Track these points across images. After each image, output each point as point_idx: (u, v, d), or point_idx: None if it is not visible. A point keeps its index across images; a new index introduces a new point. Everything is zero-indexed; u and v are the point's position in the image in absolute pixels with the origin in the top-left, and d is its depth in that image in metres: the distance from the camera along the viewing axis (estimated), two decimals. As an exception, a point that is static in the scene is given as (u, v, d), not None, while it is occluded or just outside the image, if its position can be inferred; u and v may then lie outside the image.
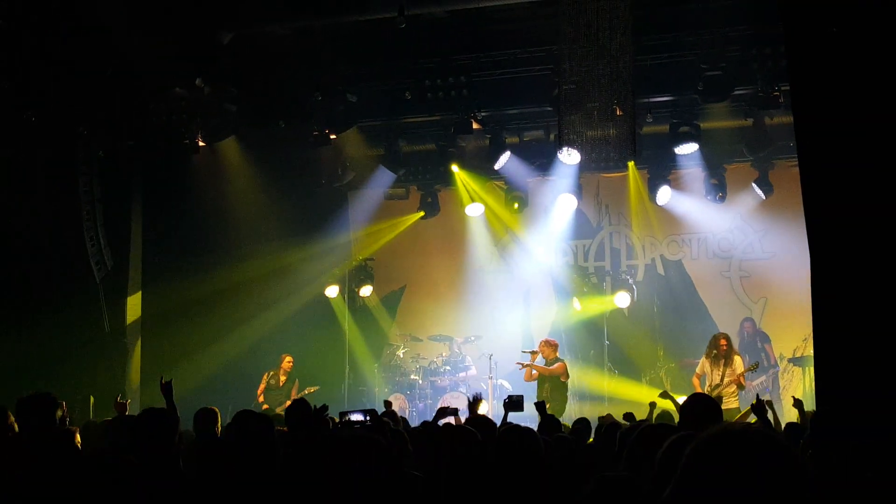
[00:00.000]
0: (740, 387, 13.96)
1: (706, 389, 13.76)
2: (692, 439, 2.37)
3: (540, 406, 8.92)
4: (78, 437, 6.86)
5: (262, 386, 16.49)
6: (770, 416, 9.69)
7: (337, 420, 8.46)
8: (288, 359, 16.68)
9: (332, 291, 18.64)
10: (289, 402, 15.21)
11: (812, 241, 6.76)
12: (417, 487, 5.48)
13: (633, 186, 18.18)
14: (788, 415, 12.88)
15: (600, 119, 11.81)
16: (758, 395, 8.23)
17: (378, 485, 4.61)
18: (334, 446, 4.75)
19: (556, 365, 15.50)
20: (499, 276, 19.09)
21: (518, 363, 16.15)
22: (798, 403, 9.76)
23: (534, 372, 15.71)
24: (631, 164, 16.69)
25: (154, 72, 15.11)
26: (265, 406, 15.73)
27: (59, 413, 6.94)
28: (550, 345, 15.89)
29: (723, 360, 13.97)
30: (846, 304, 6.59)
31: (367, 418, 7.93)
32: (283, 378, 16.56)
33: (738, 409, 13.32)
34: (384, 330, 19.58)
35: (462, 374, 17.50)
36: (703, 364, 14.22)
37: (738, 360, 14.07)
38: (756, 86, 14.58)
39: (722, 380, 13.83)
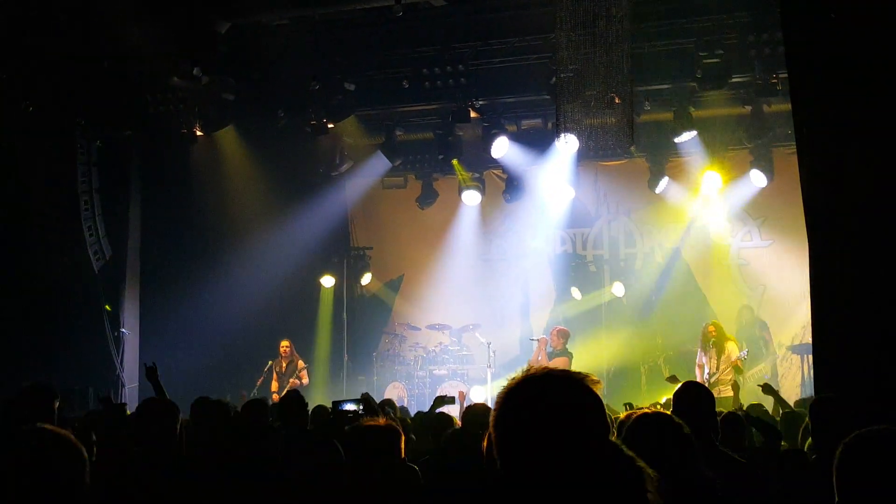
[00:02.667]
0: (738, 371, 14.00)
1: (705, 379, 13.82)
2: None
3: None
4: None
5: (274, 377, 16.56)
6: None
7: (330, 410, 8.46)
8: (284, 343, 16.69)
9: (327, 281, 18.66)
10: (294, 381, 15.62)
11: (810, 229, 6.77)
12: (415, 477, 5.51)
13: (631, 174, 18.18)
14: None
15: (598, 107, 11.77)
16: (766, 381, 8.24)
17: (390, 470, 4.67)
18: (353, 433, 4.83)
19: (557, 359, 15.49)
20: (497, 264, 19.09)
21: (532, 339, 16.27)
22: (767, 388, 9.77)
23: (539, 358, 15.76)
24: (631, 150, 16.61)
25: (152, 62, 15.10)
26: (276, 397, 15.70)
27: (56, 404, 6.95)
28: (562, 334, 15.89)
29: (715, 349, 14.06)
30: (844, 292, 6.60)
31: (361, 407, 7.93)
32: (284, 364, 16.61)
33: (731, 398, 13.35)
34: (382, 319, 19.59)
35: (459, 366, 17.51)
36: (700, 354, 14.32)
37: (730, 346, 14.13)
38: (754, 73, 14.57)
39: (717, 368, 13.90)
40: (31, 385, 6.69)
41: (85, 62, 15.02)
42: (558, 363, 15.30)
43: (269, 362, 16.61)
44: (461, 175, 18.50)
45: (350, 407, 7.96)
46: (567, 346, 15.87)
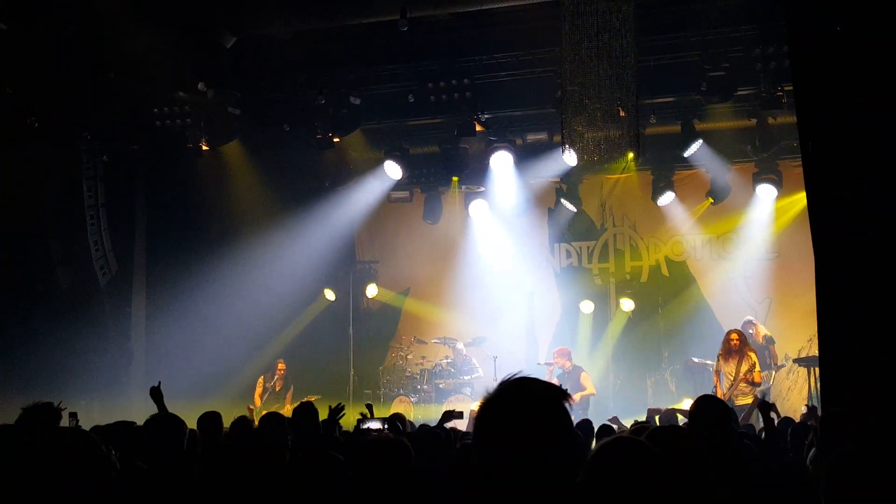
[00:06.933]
0: (754, 384, 13.97)
1: (724, 388, 13.87)
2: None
3: None
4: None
5: (258, 390, 16.46)
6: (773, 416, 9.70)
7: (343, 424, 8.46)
8: (281, 365, 16.69)
9: (331, 294, 18.66)
10: (289, 406, 15.29)
11: (816, 241, 6.75)
12: (424, 491, 5.49)
13: (636, 187, 18.17)
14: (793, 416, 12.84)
15: (603, 120, 11.77)
16: (763, 395, 8.22)
17: (398, 486, 4.67)
18: (362, 449, 4.83)
19: (582, 380, 15.45)
20: (503, 278, 19.05)
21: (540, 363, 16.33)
22: (769, 406, 9.76)
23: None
24: (631, 162, 16.48)
25: (157, 76, 15.14)
26: (264, 411, 15.59)
27: (73, 423, 6.96)
28: (563, 354, 15.94)
29: (736, 357, 14.03)
30: (850, 305, 6.58)
31: (385, 426, 7.96)
32: (279, 384, 16.54)
33: (746, 406, 13.41)
34: (389, 332, 19.57)
35: (467, 377, 17.47)
36: (719, 362, 14.30)
37: (752, 356, 14.13)
38: (759, 86, 14.58)
39: (736, 378, 13.90)
40: (33, 405, 6.70)
41: (91, 76, 15.06)
42: (584, 381, 15.32)
43: (267, 374, 16.59)
44: (452, 193, 18.65)
45: (375, 425, 7.98)
46: (573, 361, 15.90)
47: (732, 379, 13.94)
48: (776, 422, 9.76)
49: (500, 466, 2.59)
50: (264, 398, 16.34)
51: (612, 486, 3.01)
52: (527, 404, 2.62)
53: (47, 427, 6.45)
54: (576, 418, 8.10)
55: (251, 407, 15.26)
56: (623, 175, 17.99)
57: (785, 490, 5.79)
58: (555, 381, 15.27)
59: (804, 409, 11.04)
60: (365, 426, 8.10)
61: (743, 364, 13.99)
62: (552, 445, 2.57)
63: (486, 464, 2.62)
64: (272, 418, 7.88)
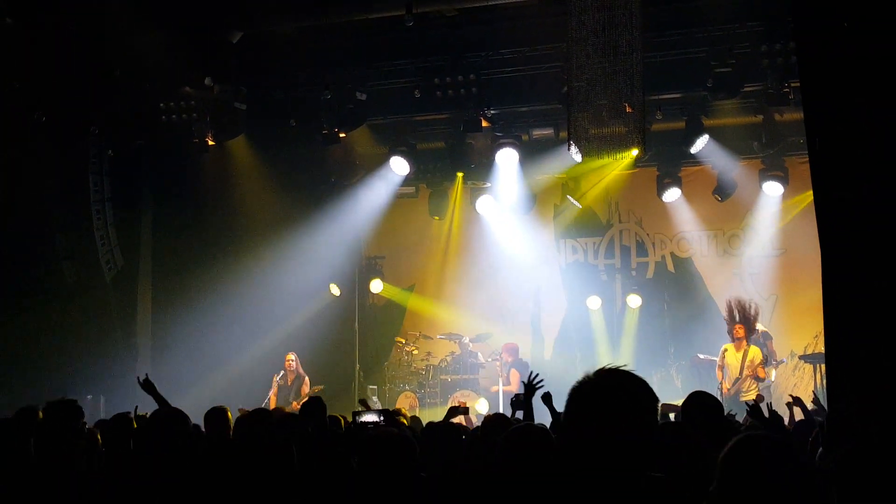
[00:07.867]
0: (759, 379, 14.00)
1: (728, 382, 13.94)
2: None
3: (546, 399, 8.74)
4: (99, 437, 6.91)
5: (273, 389, 16.30)
6: (797, 411, 9.65)
7: (350, 419, 8.48)
8: (288, 357, 16.47)
9: (336, 289, 18.62)
10: (296, 403, 15.19)
11: (823, 238, 6.72)
12: (426, 488, 5.48)
13: (642, 183, 18.14)
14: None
15: (609, 116, 11.74)
16: (755, 400, 8.18)
17: (403, 481, 4.67)
18: (366, 444, 4.83)
19: (513, 371, 15.97)
20: (509, 273, 19.04)
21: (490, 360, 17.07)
22: (797, 401, 9.73)
23: (503, 374, 16.26)
24: (632, 158, 16.42)
25: (164, 71, 15.14)
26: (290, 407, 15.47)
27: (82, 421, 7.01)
28: (509, 351, 16.55)
29: (743, 351, 14.08)
30: (857, 302, 6.55)
31: (382, 419, 7.95)
32: (290, 377, 16.44)
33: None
34: (394, 328, 19.56)
35: (471, 376, 17.48)
36: (722, 355, 14.32)
37: (753, 350, 14.14)
38: (766, 82, 14.54)
39: (741, 372, 13.94)
40: (59, 401, 6.72)
41: (97, 71, 15.06)
42: (514, 375, 15.73)
43: (280, 372, 16.50)
44: (458, 189, 18.65)
45: (371, 418, 7.97)
46: (513, 358, 16.52)
47: (738, 374, 13.98)
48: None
49: (585, 450, 2.78)
50: (279, 396, 16.18)
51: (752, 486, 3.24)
52: (618, 394, 2.86)
53: (67, 424, 6.49)
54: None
55: (242, 409, 15.07)
56: (630, 171, 17.94)
57: (786, 488, 5.77)
58: (504, 374, 15.77)
59: (810, 406, 11.03)
60: (362, 420, 8.09)
61: (747, 359, 14.04)
62: (634, 436, 2.80)
63: (572, 446, 2.82)
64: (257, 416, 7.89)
